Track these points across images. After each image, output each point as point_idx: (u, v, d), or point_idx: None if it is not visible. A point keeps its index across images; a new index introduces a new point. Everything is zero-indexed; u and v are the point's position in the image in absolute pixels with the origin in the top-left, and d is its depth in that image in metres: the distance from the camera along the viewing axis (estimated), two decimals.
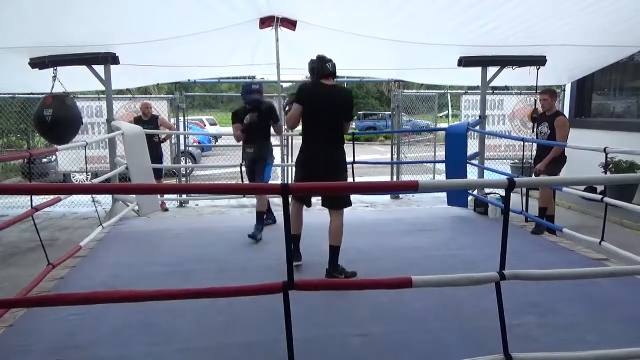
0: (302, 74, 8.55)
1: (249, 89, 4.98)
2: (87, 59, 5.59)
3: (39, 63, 5.49)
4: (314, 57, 3.82)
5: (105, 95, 6.31)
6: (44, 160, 9.43)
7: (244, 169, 5.12)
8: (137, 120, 7.07)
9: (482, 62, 6.18)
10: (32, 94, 7.61)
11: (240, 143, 5.11)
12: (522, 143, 5.69)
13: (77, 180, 9.19)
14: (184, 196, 7.71)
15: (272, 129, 5.08)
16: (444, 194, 6.71)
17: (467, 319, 3.02)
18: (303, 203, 3.96)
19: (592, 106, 8.60)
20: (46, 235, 5.72)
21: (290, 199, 3.97)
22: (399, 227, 5.34)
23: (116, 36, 5.26)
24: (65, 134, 5.49)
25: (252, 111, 4.88)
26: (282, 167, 7.50)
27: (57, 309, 2.99)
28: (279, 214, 4.85)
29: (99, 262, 4.18)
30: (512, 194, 2.28)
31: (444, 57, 6.09)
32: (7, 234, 5.44)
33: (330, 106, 3.70)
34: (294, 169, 4.10)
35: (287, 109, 3.97)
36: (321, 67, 3.73)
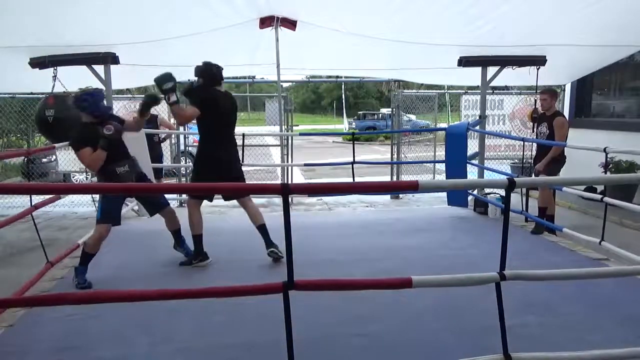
0: (302, 74, 8.58)
1: (100, 96, 3.89)
2: (87, 59, 5.59)
3: (39, 63, 5.49)
4: (201, 64, 4.04)
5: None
6: (44, 160, 9.42)
7: None
8: None
9: (482, 62, 6.17)
10: (32, 94, 7.60)
11: None
12: (522, 143, 5.69)
13: (77, 180, 9.18)
14: (184, 196, 7.69)
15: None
16: (444, 194, 6.71)
17: (467, 319, 3.02)
18: (203, 200, 4.27)
19: (592, 106, 8.59)
20: (46, 235, 5.71)
21: (189, 199, 4.17)
22: (399, 227, 5.34)
23: (116, 36, 5.25)
24: (68, 134, 5.49)
25: (103, 124, 3.63)
26: (283, 168, 7.50)
27: (57, 309, 2.99)
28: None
29: (98, 261, 4.16)
30: (512, 194, 2.28)
31: (444, 57, 6.09)
32: (6, 234, 5.43)
33: (232, 111, 4.16)
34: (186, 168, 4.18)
35: (171, 100, 3.72)
36: (219, 73, 4.05)
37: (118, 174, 3.70)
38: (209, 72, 4.01)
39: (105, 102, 4.04)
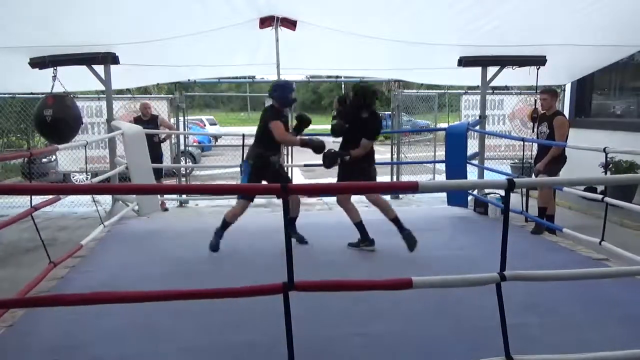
0: (302, 74, 8.57)
1: (289, 88, 4.43)
2: (87, 59, 5.59)
3: (39, 63, 5.49)
4: (360, 84, 4.43)
5: (105, 95, 6.31)
6: (44, 160, 9.42)
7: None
8: (137, 120, 7.07)
9: (482, 62, 6.18)
10: (32, 94, 7.60)
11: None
12: (522, 143, 5.69)
13: (77, 180, 9.19)
14: (184, 196, 7.70)
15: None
16: (444, 194, 6.71)
17: (467, 320, 3.02)
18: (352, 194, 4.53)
19: (592, 106, 8.58)
20: (46, 235, 5.68)
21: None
22: None
23: (116, 36, 5.26)
24: (66, 134, 5.50)
25: (284, 115, 4.43)
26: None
27: (57, 309, 2.98)
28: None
29: (99, 262, 4.17)
30: (512, 194, 2.28)
31: (444, 57, 6.09)
32: (6, 233, 5.43)
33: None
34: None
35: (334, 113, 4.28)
36: (374, 99, 4.27)
37: (271, 160, 4.37)
38: (368, 96, 4.20)
39: (293, 93, 4.39)
